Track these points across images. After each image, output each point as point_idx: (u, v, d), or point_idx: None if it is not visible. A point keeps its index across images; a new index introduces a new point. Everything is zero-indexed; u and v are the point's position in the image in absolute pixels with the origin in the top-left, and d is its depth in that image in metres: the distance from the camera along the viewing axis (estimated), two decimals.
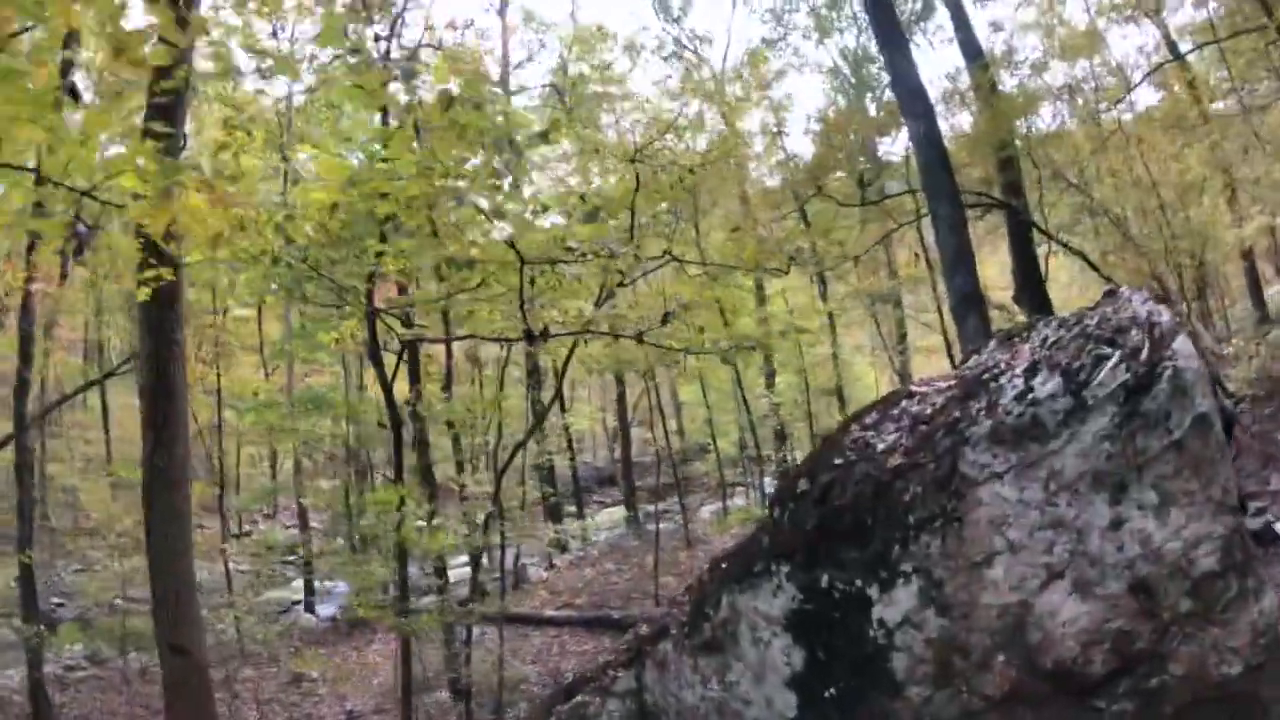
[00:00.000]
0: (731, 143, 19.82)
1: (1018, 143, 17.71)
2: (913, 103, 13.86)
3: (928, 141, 13.57)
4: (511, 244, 6.57)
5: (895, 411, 6.15)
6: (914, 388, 6.42)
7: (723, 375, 19.85)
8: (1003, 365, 5.72)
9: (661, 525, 18.51)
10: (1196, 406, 5.09)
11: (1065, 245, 16.55)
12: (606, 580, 18.38)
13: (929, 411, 5.87)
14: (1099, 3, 20.26)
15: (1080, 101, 19.49)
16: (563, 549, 20.65)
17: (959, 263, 13.32)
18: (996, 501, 5.25)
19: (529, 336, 7.79)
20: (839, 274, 22.73)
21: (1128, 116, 20.38)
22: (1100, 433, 5.09)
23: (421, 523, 7.92)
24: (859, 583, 5.63)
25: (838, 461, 6.10)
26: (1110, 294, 6.12)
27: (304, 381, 22.56)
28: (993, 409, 5.44)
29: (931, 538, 5.43)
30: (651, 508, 20.85)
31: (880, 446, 5.92)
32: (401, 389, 11.30)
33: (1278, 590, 5.35)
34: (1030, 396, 5.33)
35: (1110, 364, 5.20)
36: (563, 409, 23.13)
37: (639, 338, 8.61)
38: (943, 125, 17.16)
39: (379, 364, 8.83)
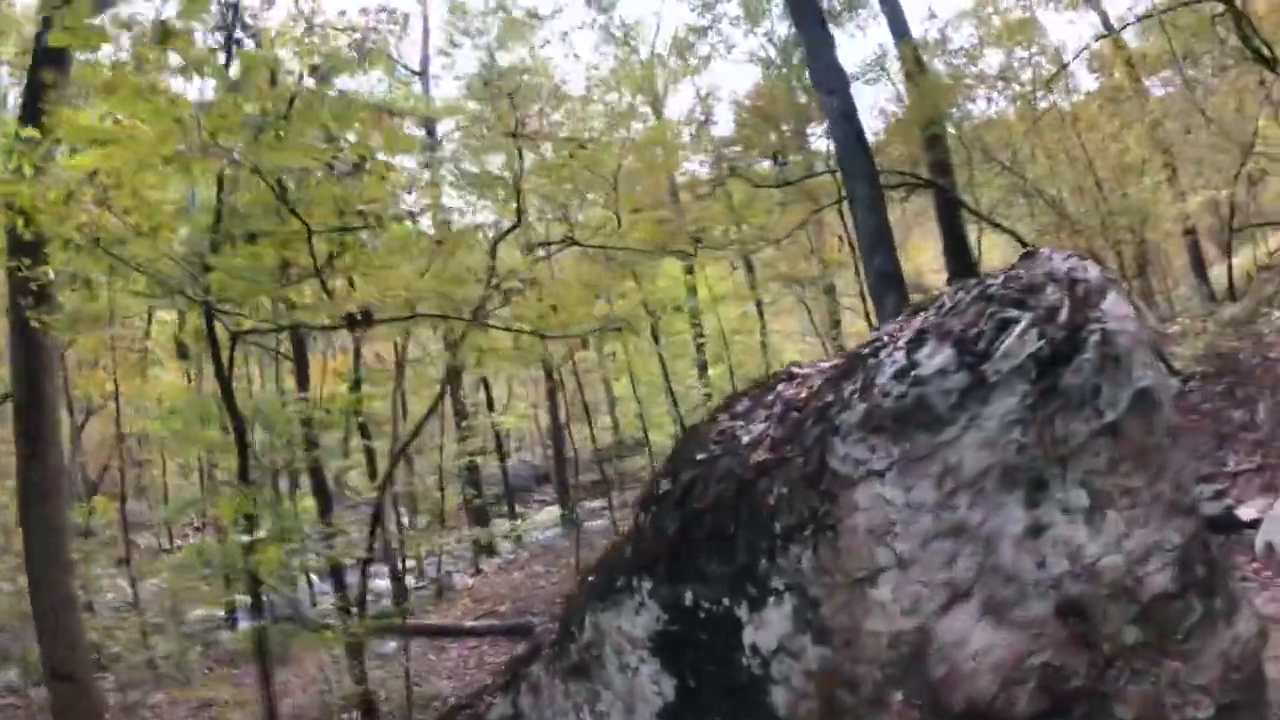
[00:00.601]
0: (657, 131, 19.01)
1: (947, 125, 17.03)
2: (829, 79, 13.20)
3: (844, 118, 12.88)
4: (292, 209, 5.39)
5: (769, 397, 5.06)
6: (794, 369, 5.29)
7: (654, 369, 18.82)
8: (886, 338, 4.57)
9: (595, 523, 17.49)
10: (1135, 380, 4.00)
11: (996, 224, 15.74)
12: (534, 584, 17.30)
13: (804, 395, 4.73)
14: None
15: (1016, 87, 18.75)
16: (490, 553, 19.40)
17: (877, 242, 12.75)
18: (877, 505, 4.16)
19: (351, 322, 6.67)
20: (767, 260, 21.87)
21: (1064, 102, 19.95)
22: (1007, 417, 4.00)
23: (247, 537, 6.74)
24: (726, 601, 4.63)
25: (700, 457, 5.05)
26: (1028, 255, 4.97)
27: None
28: (868, 390, 4.34)
29: (802, 548, 4.36)
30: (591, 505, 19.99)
31: (745, 439, 4.81)
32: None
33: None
34: (914, 374, 4.22)
35: (1018, 329, 4.10)
36: (490, 407, 22.03)
37: (475, 319, 7.47)
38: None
39: (217, 359, 7.63)
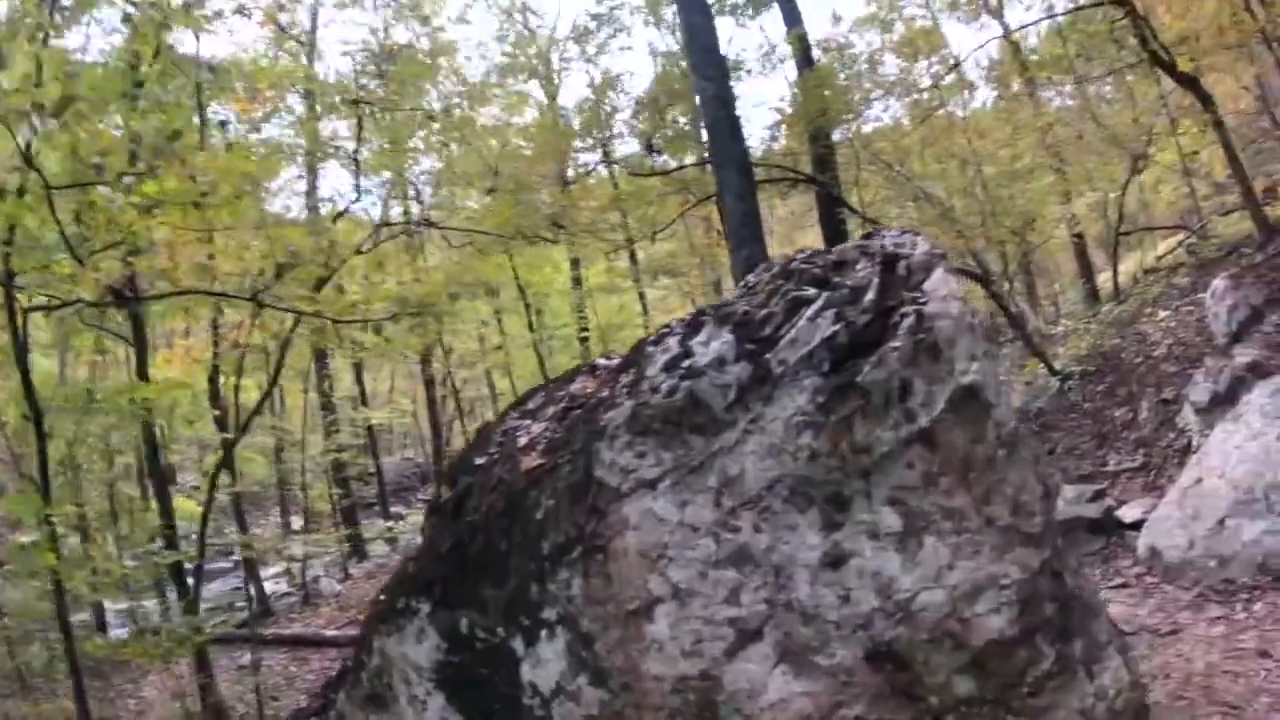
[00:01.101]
0: (547, 118, 18.17)
1: (839, 124, 16.53)
2: (705, 63, 12.59)
3: (718, 102, 12.32)
4: (28, 160, 4.46)
5: (561, 393, 4.20)
6: (601, 360, 4.48)
7: (533, 365, 17.95)
8: (676, 324, 3.77)
9: None
10: (957, 374, 3.26)
11: (874, 222, 15.27)
12: None
13: (589, 390, 3.91)
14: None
15: (914, 96, 18.32)
16: (361, 556, 18.25)
17: (746, 232, 12.16)
18: (649, 523, 3.42)
19: (117, 298, 5.71)
20: (650, 252, 21.16)
21: (961, 110, 19.71)
22: (795, 418, 3.26)
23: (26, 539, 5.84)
24: (501, 631, 3.94)
25: (479, 461, 4.26)
26: (869, 235, 4.21)
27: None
28: (637, 385, 3.59)
29: (571, 573, 3.67)
30: None
31: (522, 441, 3.98)
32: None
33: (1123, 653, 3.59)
34: (686, 364, 3.47)
35: (810, 311, 3.31)
36: (363, 401, 20.89)
37: (254, 300, 6.56)
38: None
39: (14, 339, 6.60)
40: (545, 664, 3.74)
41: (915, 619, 3.13)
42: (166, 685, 12.36)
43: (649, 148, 15.02)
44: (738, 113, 12.86)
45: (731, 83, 18.59)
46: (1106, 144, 19.18)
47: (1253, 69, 22.55)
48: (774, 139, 17.17)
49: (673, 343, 3.58)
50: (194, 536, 10.47)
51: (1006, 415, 3.34)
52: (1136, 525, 8.36)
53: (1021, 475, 3.29)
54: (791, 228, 24.40)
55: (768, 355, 3.35)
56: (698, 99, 13.52)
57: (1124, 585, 7.72)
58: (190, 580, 9.69)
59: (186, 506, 18.74)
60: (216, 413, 12.15)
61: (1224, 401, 8.45)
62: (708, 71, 12.47)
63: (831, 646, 3.21)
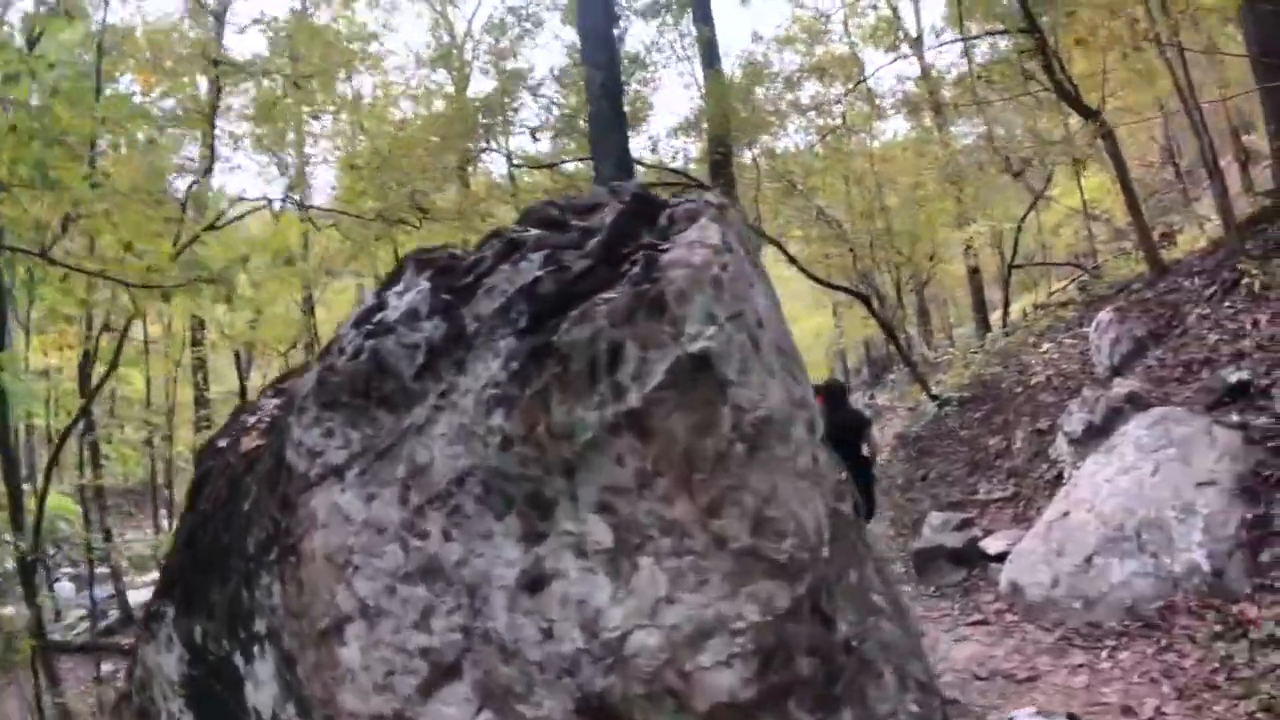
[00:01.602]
0: (453, 107, 17.22)
1: (745, 137, 15.88)
2: (596, 51, 12.06)
3: (604, 93, 11.73)
4: None
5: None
6: None
7: None
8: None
9: None
10: (686, 341, 2.32)
11: (761, 233, 14.64)
12: None
13: None
14: (860, 29, 19.27)
15: (824, 120, 17.82)
16: None
17: None
18: (336, 521, 2.65)
19: None
20: None
21: (870, 139, 19.38)
22: (489, 391, 2.43)
23: None
24: (225, 644, 3.16)
25: (220, 444, 3.53)
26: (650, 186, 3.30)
27: None
28: (330, 349, 2.80)
29: (272, 578, 2.87)
30: None
31: (251, 419, 3.16)
32: None
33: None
34: (378, 318, 2.59)
35: (515, 256, 2.40)
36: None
37: (43, 256, 5.50)
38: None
39: None
40: (262, 686, 2.90)
41: (628, 666, 2.24)
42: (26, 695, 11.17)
43: (534, 138, 14.16)
44: (633, 109, 12.30)
45: (638, 86, 17.94)
46: (1008, 178, 18.98)
47: (1161, 121, 22.80)
48: (684, 150, 16.36)
49: (371, 297, 2.67)
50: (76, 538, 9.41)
51: (755, 400, 2.43)
52: (1001, 558, 7.64)
53: (769, 482, 2.38)
54: None
55: (464, 311, 2.50)
56: (586, 90, 12.73)
57: (982, 622, 6.96)
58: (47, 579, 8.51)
59: (62, 504, 17.18)
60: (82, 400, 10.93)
61: (1099, 433, 7.81)
62: (597, 59, 11.81)
63: (537, 694, 2.30)
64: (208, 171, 8.81)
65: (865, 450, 9.08)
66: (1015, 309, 19.77)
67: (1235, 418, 6.32)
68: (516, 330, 2.35)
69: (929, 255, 16.30)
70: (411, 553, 2.38)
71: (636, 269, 2.36)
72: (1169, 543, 5.92)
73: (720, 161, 14.89)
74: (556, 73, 16.27)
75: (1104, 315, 10.39)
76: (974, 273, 21.30)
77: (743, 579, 2.26)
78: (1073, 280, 17.59)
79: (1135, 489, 6.39)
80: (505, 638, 2.29)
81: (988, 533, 8.66)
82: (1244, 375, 6.63)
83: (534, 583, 2.26)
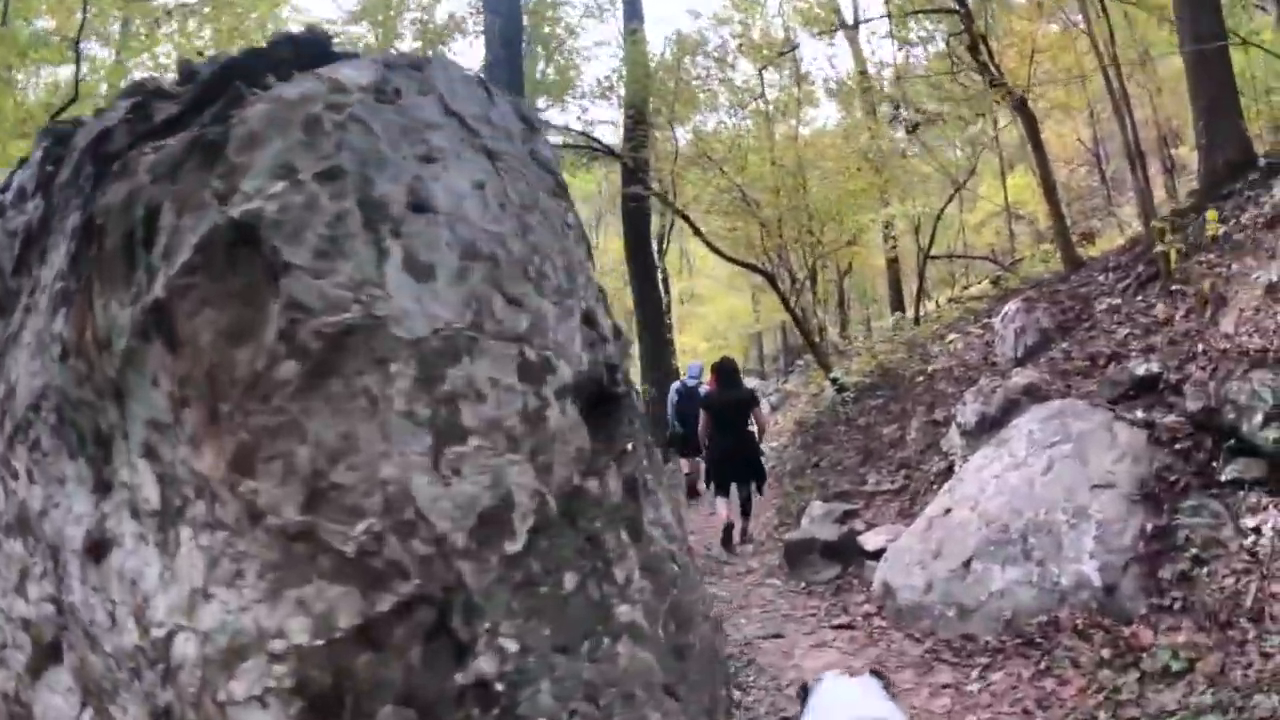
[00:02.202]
0: None
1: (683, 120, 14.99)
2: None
3: (503, 40, 10.97)
4: None
5: None
6: None
7: None
8: None
9: None
10: (237, 202, 1.21)
11: (669, 203, 13.76)
12: None
13: None
14: (793, 11, 17.97)
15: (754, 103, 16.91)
16: None
17: None
18: None
19: None
20: None
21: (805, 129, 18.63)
22: (57, 285, 1.83)
23: None
24: None
25: None
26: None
27: None
28: None
29: None
30: None
31: None
32: None
33: None
34: None
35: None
36: None
37: None
38: None
39: None
40: None
41: (177, 680, 1.32)
42: None
43: None
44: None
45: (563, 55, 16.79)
46: (931, 169, 18.33)
47: (1089, 123, 22.35)
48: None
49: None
50: None
51: (333, 299, 1.49)
52: (879, 554, 6.78)
53: (340, 428, 1.46)
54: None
55: (56, 180, 1.78)
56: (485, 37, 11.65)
57: (848, 626, 6.09)
58: None
59: None
60: None
61: (993, 426, 6.98)
62: (496, 6, 10.79)
63: (122, 696, 1.43)
64: None
65: (753, 427, 9.00)
66: (933, 304, 19.18)
67: (1140, 414, 5.50)
68: (83, 199, 1.55)
69: (848, 241, 15.41)
70: (8, 497, 1.58)
71: (214, 109, 1.40)
72: (1057, 550, 5.07)
73: (635, 128, 13.90)
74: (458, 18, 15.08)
75: (1011, 305, 9.61)
76: (892, 263, 20.69)
77: (289, 576, 1.28)
78: (990, 277, 16.94)
79: (1024, 487, 5.54)
80: (83, 617, 1.43)
81: (871, 526, 7.81)
82: (1153, 368, 5.82)
83: (97, 547, 1.54)
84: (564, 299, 2.81)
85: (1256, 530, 4.36)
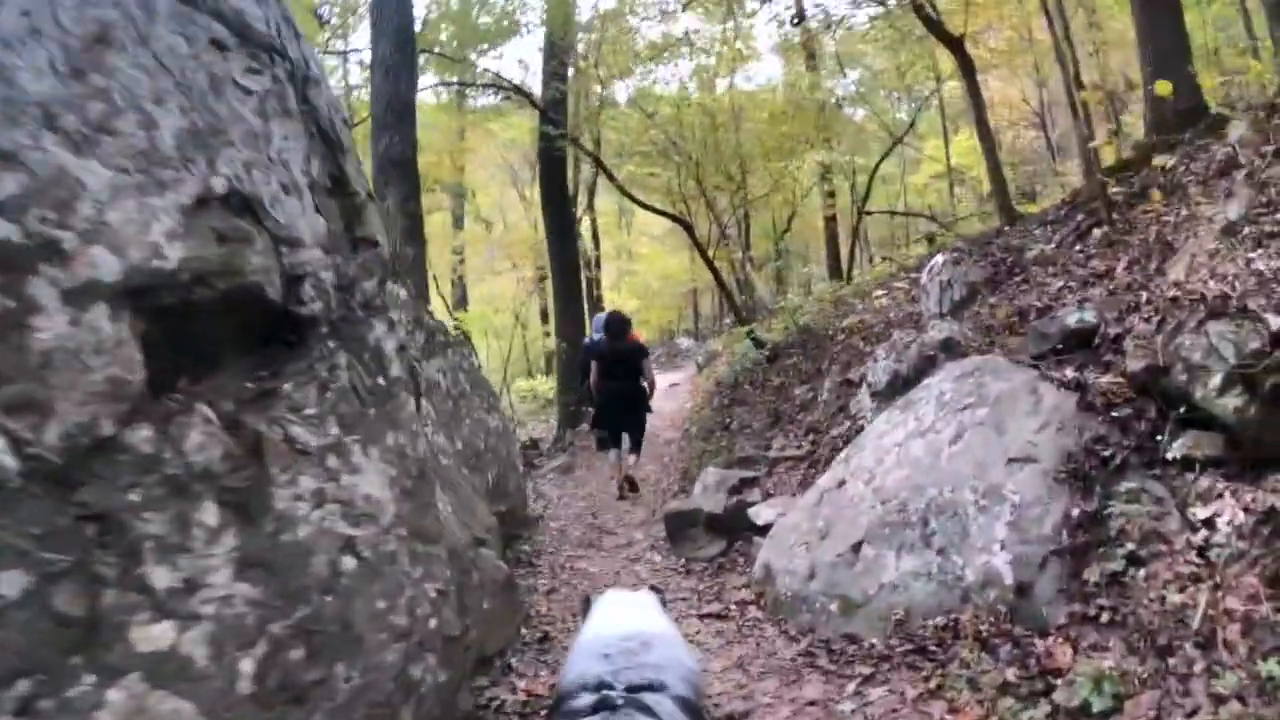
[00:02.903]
0: None
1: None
2: None
3: None
4: None
5: None
6: None
7: None
8: None
9: None
10: None
11: (576, 142, 12.58)
12: None
13: None
14: None
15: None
16: None
17: (391, 118, 9.56)
18: None
19: None
20: None
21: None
22: None
23: None
24: None
25: None
26: None
27: None
28: None
29: None
30: None
31: None
32: None
33: None
34: None
35: None
36: None
37: None
38: None
39: None
40: None
41: None
42: None
43: (318, 18, 11.65)
44: None
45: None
46: (875, 127, 17.27)
47: (1036, 87, 21.43)
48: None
49: None
50: None
51: None
52: (769, 530, 5.71)
53: None
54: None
55: None
56: None
57: (719, 616, 5.02)
58: None
59: None
60: None
61: (906, 385, 5.90)
62: None
63: None
64: None
65: (643, 381, 8.86)
66: (871, 266, 18.21)
67: (1070, 374, 4.42)
68: None
69: (770, 188, 14.20)
70: None
71: None
72: (963, 537, 4.01)
73: (551, 68, 12.61)
74: None
75: (939, 258, 8.55)
76: (830, 221, 19.64)
77: None
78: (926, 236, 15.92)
79: (929, 459, 4.47)
80: None
81: (769, 497, 6.74)
82: (1088, 318, 4.74)
83: None
84: (154, 169, 1.66)
85: (1209, 524, 3.30)
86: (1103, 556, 3.53)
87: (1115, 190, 7.68)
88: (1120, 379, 4.23)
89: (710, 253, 12.18)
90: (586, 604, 2.24)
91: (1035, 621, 3.57)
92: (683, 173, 11.63)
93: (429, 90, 15.26)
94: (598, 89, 14.66)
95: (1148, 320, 4.49)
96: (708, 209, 12.72)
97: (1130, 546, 3.49)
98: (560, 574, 6.14)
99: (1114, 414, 4.07)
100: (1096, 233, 7.37)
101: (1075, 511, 3.72)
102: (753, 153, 12.51)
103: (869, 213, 16.56)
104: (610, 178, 11.94)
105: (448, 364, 6.60)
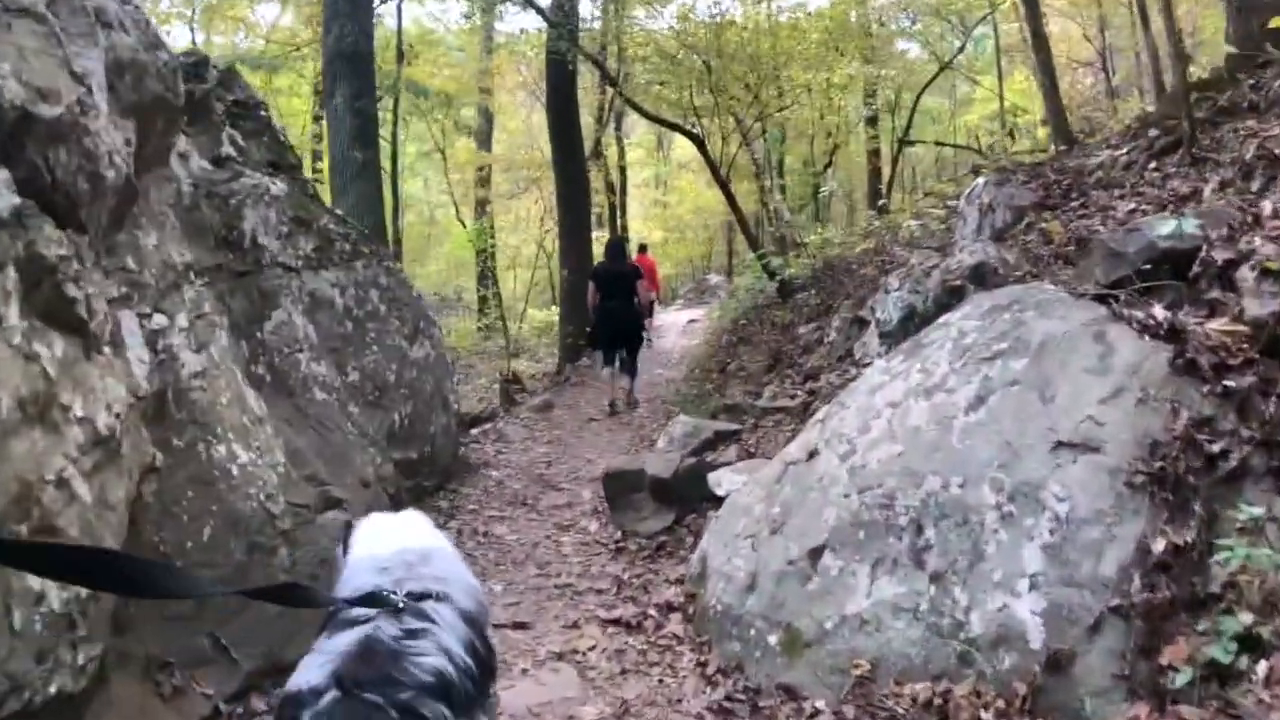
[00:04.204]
0: None
1: None
2: None
3: None
4: None
5: None
6: None
7: None
8: None
9: None
10: None
11: (583, 50, 10.90)
12: None
13: None
14: None
15: None
16: None
17: (346, 5, 8.22)
18: None
19: None
20: None
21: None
22: None
23: None
24: None
25: None
26: None
27: None
28: None
29: None
30: None
31: None
32: None
33: None
34: None
35: None
36: None
37: None
38: None
39: None
40: None
41: None
42: None
43: None
44: None
45: None
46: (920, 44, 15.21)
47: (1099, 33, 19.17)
48: None
49: None
50: None
51: None
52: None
53: None
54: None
55: None
56: None
57: (631, 625, 3.54)
58: None
59: None
60: None
61: (923, 325, 4.28)
62: None
63: None
64: None
65: (637, 301, 8.48)
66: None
67: (1159, 313, 2.78)
68: None
69: (786, 104, 12.26)
70: None
71: None
72: (973, 560, 2.47)
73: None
74: None
75: (979, 180, 6.81)
76: (873, 155, 17.81)
77: None
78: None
79: (934, 432, 2.88)
80: None
81: (749, 457, 5.21)
82: (1190, 229, 3.07)
83: None
84: None
85: None
86: (1197, 630, 1.96)
87: (1199, 113, 5.89)
88: (1238, 327, 2.60)
89: (725, 171, 10.43)
90: (348, 529, 1.98)
91: (1071, 708, 2.04)
92: (693, 82, 9.89)
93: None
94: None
95: (1274, 242, 2.84)
96: (734, 128, 10.98)
97: (1247, 619, 1.92)
98: (467, 542, 4.70)
99: (1227, 383, 2.45)
100: (1174, 153, 5.61)
101: (1159, 543, 2.14)
102: (776, 62, 10.62)
103: (910, 143, 14.65)
104: (611, 83, 10.26)
105: (351, 278, 5.11)
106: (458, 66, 18.79)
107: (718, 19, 10.58)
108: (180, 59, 4.69)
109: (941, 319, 3.62)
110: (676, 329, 15.20)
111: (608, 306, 8.36)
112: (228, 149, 4.49)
